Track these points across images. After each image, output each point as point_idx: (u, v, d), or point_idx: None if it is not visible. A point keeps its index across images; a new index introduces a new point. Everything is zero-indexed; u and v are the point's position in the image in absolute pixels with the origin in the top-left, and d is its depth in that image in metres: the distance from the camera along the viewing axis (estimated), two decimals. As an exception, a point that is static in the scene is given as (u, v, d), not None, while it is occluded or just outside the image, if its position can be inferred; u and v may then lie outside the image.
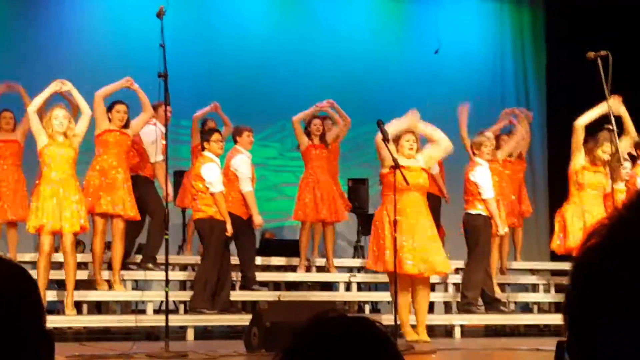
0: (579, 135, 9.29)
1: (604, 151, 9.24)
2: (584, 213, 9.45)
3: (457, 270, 10.71)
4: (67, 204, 8.61)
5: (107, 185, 9.25)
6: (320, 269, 11.19)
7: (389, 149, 8.36)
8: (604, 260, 1.04)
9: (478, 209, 9.91)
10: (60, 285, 9.47)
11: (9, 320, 1.27)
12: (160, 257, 9.53)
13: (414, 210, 8.60)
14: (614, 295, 1.01)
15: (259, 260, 11.33)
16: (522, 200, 11.72)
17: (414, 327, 8.82)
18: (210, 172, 9.31)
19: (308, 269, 11.12)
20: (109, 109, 9.44)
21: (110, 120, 9.42)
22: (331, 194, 10.73)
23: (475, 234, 9.92)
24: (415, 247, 8.50)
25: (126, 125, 9.48)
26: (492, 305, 10.24)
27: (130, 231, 9.66)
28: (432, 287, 11.03)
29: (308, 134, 10.77)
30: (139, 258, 10.30)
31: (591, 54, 8.31)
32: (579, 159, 9.49)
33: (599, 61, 8.19)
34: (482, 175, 9.90)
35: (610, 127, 8.43)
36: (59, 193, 8.61)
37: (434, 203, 10.05)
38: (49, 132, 8.69)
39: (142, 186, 9.82)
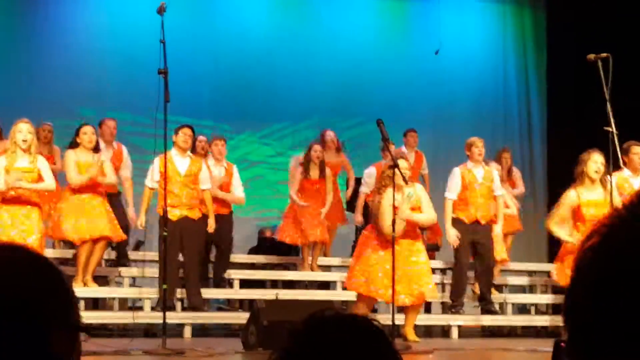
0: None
1: (595, 171, 9.07)
2: None
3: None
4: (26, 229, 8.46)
5: (84, 211, 9.09)
6: (319, 268, 11.19)
7: (388, 149, 8.42)
8: (603, 261, 1.04)
9: (454, 213, 9.93)
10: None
11: (32, 310, 1.28)
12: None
13: (407, 236, 8.62)
14: (614, 295, 1.01)
15: (257, 259, 11.35)
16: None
17: (401, 327, 8.78)
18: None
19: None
20: (76, 132, 9.22)
21: (79, 144, 9.18)
22: (317, 217, 10.70)
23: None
24: (402, 275, 8.44)
25: (96, 149, 9.25)
26: (481, 303, 10.30)
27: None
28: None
29: (308, 160, 10.71)
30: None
31: (592, 57, 8.30)
32: (573, 201, 9.32)
33: (600, 63, 8.18)
34: (451, 177, 9.97)
35: (610, 129, 8.40)
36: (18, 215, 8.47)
37: None
38: (12, 149, 8.43)
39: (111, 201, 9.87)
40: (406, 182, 8.24)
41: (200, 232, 9.39)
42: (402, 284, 8.41)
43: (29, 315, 1.26)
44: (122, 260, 10.31)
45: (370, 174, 10.55)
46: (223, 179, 10.20)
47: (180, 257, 9.44)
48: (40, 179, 8.57)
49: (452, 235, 9.84)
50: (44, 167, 8.60)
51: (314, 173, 10.71)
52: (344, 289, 10.95)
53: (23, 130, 8.41)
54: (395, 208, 8.11)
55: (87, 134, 9.18)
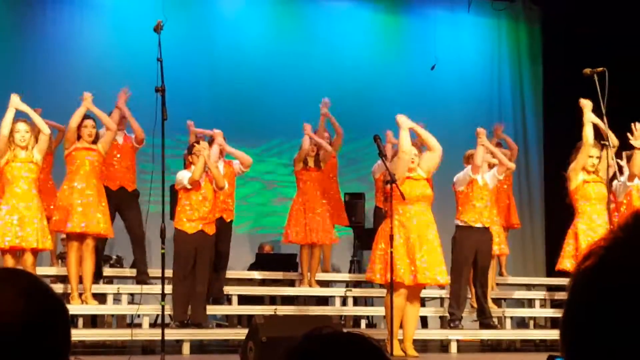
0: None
1: (590, 156, 9.18)
2: (596, 228, 9.28)
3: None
4: (29, 222, 8.54)
5: (78, 203, 9.14)
6: (317, 283, 11.17)
7: (385, 164, 8.43)
8: (600, 282, 1.05)
9: (459, 219, 9.95)
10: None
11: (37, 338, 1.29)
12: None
13: (420, 220, 8.62)
14: (610, 316, 1.02)
15: (256, 275, 11.33)
16: (510, 214, 11.63)
17: (401, 341, 8.75)
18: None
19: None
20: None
21: (79, 137, 9.37)
22: (322, 215, 10.74)
23: (453, 248, 10.00)
24: (418, 258, 8.51)
25: (95, 141, 9.43)
26: (479, 317, 10.26)
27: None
28: (424, 302, 11.05)
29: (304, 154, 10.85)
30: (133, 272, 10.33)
31: (588, 71, 8.33)
32: (579, 176, 9.39)
33: (596, 77, 8.20)
34: (458, 177, 9.99)
35: (606, 143, 8.43)
36: (19, 210, 8.55)
37: None
38: (11, 147, 8.64)
39: (124, 199, 9.90)
40: (404, 198, 8.25)
41: (211, 249, 9.46)
42: (426, 263, 8.48)
43: (32, 348, 1.28)
44: (141, 276, 10.23)
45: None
46: (225, 177, 10.20)
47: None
48: (40, 170, 8.82)
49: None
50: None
51: (311, 163, 10.86)
52: (343, 304, 10.97)
53: (21, 129, 8.69)
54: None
55: (87, 127, 9.39)
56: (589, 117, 8.98)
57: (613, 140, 8.64)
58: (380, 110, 13.95)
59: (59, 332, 1.33)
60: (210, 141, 10.32)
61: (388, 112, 13.90)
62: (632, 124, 9.50)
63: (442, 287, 9.94)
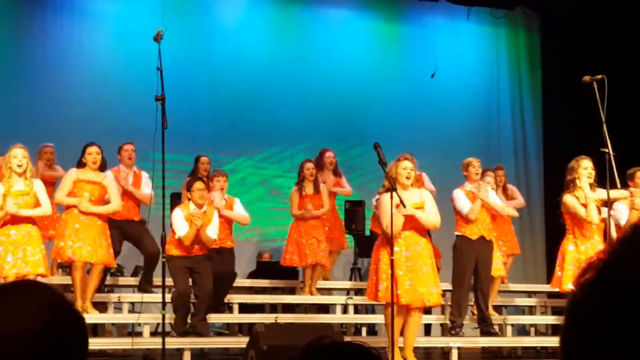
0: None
1: (587, 176, 9.02)
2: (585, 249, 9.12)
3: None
4: (29, 251, 8.43)
5: (80, 232, 9.05)
6: (318, 291, 11.17)
7: (384, 171, 8.36)
8: (599, 296, 1.05)
9: (459, 231, 9.94)
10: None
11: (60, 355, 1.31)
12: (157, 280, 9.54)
13: (414, 240, 8.53)
14: (609, 331, 1.02)
15: (256, 283, 11.33)
16: (508, 239, 11.50)
17: (401, 349, 8.71)
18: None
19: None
20: (83, 151, 9.29)
21: (84, 165, 9.26)
22: (319, 237, 10.72)
23: (454, 256, 9.99)
24: (411, 278, 8.41)
25: (102, 168, 9.34)
26: (480, 325, 10.23)
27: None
28: (429, 310, 11.03)
29: (302, 179, 10.79)
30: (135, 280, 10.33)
31: (587, 78, 8.33)
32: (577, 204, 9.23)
33: (595, 85, 8.21)
34: (457, 199, 9.94)
35: (607, 151, 8.40)
36: (17, 240, 8.44)
37: None
38: (7, 174, 8.44)
39: (134, 229, 9.92)
40: (404, 206, 8.23)
41: (209, 264, 9.41)
42: (422, 285, 8.41)
43: (57, 354, 1.29)
44: (146, 285, 10.21)
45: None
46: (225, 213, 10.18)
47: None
48: (37, 203, 8.58)
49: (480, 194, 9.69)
50: (40, 191, 8.62)
51: (309, 189, 10.78)
52: (344, 312, 10.96)
53: (18, 155, 8.45)
54: (396, 206, 8.08)
55: (92, 154, 9.25)
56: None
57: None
58: (381, 117, 13.99)
59: (80, 340, 1.36)
60: (215, 174, 10.36)
61: (388, 120, 13.98)
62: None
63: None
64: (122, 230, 9.98)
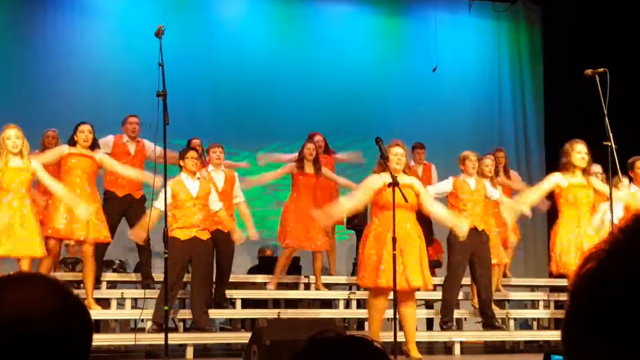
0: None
1: (582, 159, 9.02)
2: (577, 233, 9.14)
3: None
4: (26, 230, 8.43)
5: (70, 208, 8.98)
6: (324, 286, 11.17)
7: (387, 166, 8.33)
8: (601, 285, 1.04)
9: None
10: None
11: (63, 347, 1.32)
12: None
13: (403, 225, 8.48)
14: (611, 319, 1.02)
15: (258, 278, 11.33)
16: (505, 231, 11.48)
17: (404, 343, 8.69)
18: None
19: (307, 287, 11.12)
20: (74, 130, 9.31)
21: (75, 143, 9.30)
22: (315, 223, 10.70)
23: (448, 250, 9.99)
24: (403, 262, 8.37)
25: (92, 147, 9.36)
26: (483, 318, 10.22)
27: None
28: (431, 305, 11.03)
29: (301, 158, 10.77)
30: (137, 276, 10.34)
31: (589, 72, 8.32)
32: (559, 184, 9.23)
33: (597, 78, 8.19)
34: (441, 183, 9.99)
35: (609, 144, 8.38)
36: (15, 219, 8.42)
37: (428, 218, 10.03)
38: (3, 154, 8.46)
39: (134, 210, 9.91)
40: (406, 200, 8.20)
41: (209, 253, 9.43)
42: (411, 267, 8.37)
43: (64, 343, 1.30)
44: (147, 280, 10.23)
45: None
46: (224, 187, 10.17)
47: (185, 277, 9.47)
48: (33, 178, 8.62)
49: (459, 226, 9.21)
50: (40, 172, 8.65)
51: (309, 169, 10.76)
52: (347, 307, 10.97)
53: (12, 136, 8.47)
54: (387, 186, 8.08)
55: (84, 132, 9.27)
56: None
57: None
58: (382, 112, 13.98)
59: (86, 331, 1.37)
60: (210, 145, 10.34)
61: (390, 114, 13.98)
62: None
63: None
64: (122, 207, 9.95)
